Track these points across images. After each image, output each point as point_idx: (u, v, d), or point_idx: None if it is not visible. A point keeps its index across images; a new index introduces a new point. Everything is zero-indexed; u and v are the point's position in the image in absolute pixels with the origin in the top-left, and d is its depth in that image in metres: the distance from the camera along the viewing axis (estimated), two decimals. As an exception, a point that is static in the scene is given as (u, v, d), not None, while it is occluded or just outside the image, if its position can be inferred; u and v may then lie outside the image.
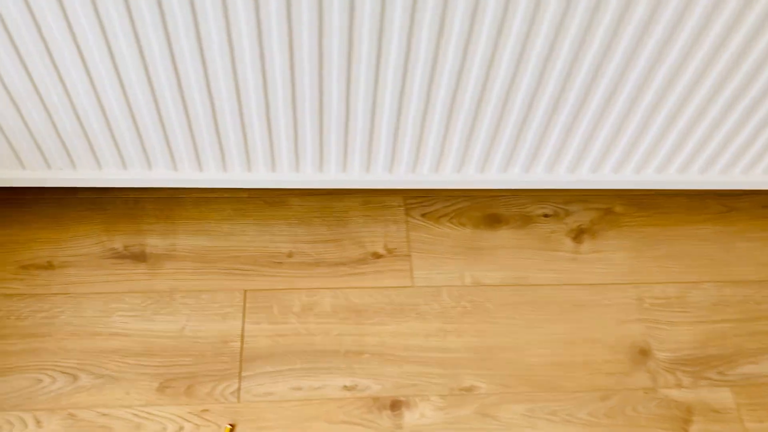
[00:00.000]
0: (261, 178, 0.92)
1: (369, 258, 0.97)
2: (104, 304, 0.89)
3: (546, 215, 1.03)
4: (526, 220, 1.02)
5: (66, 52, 0.72)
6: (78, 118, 0.81)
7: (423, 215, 1.01)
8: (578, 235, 1.02)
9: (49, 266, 0.92)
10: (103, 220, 0.97)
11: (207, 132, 0.84)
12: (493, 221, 1.02)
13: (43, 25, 0.70)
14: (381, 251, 0.98)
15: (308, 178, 0.93)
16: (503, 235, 1.01)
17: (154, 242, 0.96)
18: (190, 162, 0.89)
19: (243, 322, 0.90)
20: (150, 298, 0.91)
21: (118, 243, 0.95)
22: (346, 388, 0.86)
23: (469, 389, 0.87)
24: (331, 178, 0.93)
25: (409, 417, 0.85)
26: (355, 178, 0.93)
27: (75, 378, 0.83)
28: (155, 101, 0.79)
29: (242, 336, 0.89)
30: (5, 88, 0.77)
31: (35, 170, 0.89)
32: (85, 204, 0.98)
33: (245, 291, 0.92)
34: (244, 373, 0.86)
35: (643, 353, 0.92)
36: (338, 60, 0.75)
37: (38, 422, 0.80)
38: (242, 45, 0.73)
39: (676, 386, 0.89)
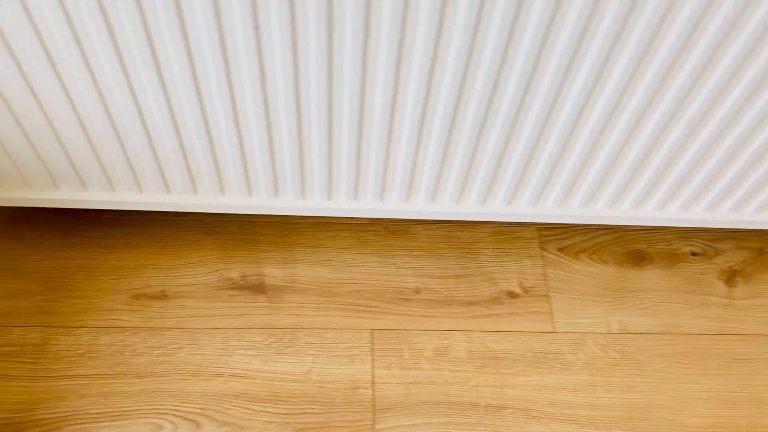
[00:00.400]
0: (393, 208, 0.84)
1: (504, 297, 0.89)
2: (224, 341, 0.83)
3: (694, 253, 0.94)
4: (673, 259, 0.93)
5: (212, 86, 0.65)
6: (211, 143, 0.74)
7: (560, 249, 0.93)
8: (731, 277, 0.92)
9: (163, 296, 0.86)
10: (217, 246, 0.90)
11: (347, 159, 0.76)
12: (638, 259, 0.93)
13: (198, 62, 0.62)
14: (516, 290, 0.89)
15: (443, 209, 0.84)
16: (649, 276, 0.91)
17: (272, 272, 0.89)
18: (321, 190, 0.81)
19: (372, 366, 0.82)
20: (272, 335, 0.84)
21: (234, 272, 0.88)
22: (487, 445, 0.78)
23: (625, 454, 0.79)
24: (469, 210, 0.84)
25: (556, 481, 0.77)
26: (495, 210, 0.85)
27: (198, 425, 0.77)
28: (297, 128, 0.72)
29: (373, 382, 0.81)
30: (138, 111, 0.70)
31: (152, 193, 0.83)
32: (198, 227, 0.92)
33: (372, 330, 0.85)
34: (377, 426, 0.79)
35: (815, 418, 0.82)
36: (482, 91, 0.66)
37: (158, 471, 0.75)
38: (376, 82, 0.64)
39: None
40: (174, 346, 0.82)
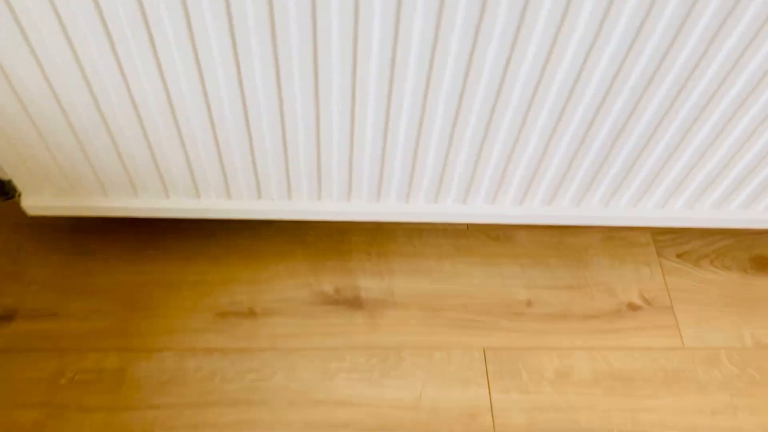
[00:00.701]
0: (481, 211, 0.76)
1: (624, 310, 0.80)
2: (323, 363, 0.75)
3: (824, 258, 0.86)
4: (801, 264, 0.85)
5: (334, 94, 0.57)
6: (318, 146, 0.66)
7: (678, 256, 0.85)
8: None
9: (251, 314, 0.78)
10: (305, 256, 0.82)
11: (466, 159, 0.68)
12: (763, 264, 0.85)
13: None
14: (637, 301, 0.81)
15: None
16: (779, 283, 0.83)
17: (368, 284, 0.80)
18: (428, 192, 0.73)
19: (489, 390, 0.74)
20: (375, 355, 0.76)
21: (327, 285, 0.80)
22: (621, 476, 0.70)
23: (780, 486, 0.71)
24: (564, 213, 0.76)
25: None
26: (593, 213, 0.77)
27: (304, 460, 0.69)
28: (418, 130, 0.64)
29: (491, 408, 0.73)
30: (244, 109, 0.62)
31: (242, 200, 0.74)
32: (282, 235, 0.83)
33: (484, 349, 0.77)
34: (502, 458, 0.71)
35: None
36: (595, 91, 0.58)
37: None
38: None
39: None
40: (268, 370, 0.74)
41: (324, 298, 0.79)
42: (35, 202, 0.74)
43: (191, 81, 0.59)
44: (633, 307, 0.80)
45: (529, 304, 0.80)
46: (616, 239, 0.85)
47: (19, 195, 0.74)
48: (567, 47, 0.57)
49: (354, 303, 0.79)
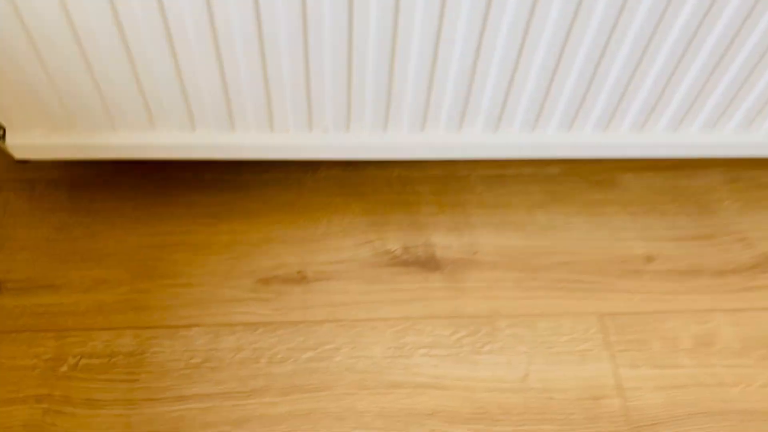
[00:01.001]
0: (590, 140, 0.60)
1: (767, 263, 0.64)
2: (396, 338, 0.58)
3: None
4: None
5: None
6: (391, 64, 0.50)
7: (823, 198, 0.69)
8: None
9: (302, 279, 0.61)
10: (362, 209, 0.66)
11: (537, 78, 0.53)
12: None
13: None
14: (782, 252, 0.65)
15: (656, 139, 0.60)
16: None
17: (444, 241, 0.64)
18: (488, 119, 0.57)
19: (614, 365, 0.58)
20: (462, 326, 0.59)
21: (392, 242, 0.64)
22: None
23: None
24: (692, 140, 0.60)
25: None
26: (730, 140, 0.61)
27: (384, 461, 0.52)
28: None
29: (620, 388, 0.57)
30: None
31: (286, 132, 0.58)
32: (332, 187, 0.68)
33: (601, 315, 0.61)
34: (642, 451, 0.54)
35: None
36: None
37: None
38: None
39: None
40: (329, 347, 0.58)
41: (390, 258, 0.63)
42: (24, 139, 0.58)
43: None
44: (778, 260, 0.64)
45: (648, 259, 0.64)
46: (743, 180, 0.69)
47: (3, 134, 0.58)
48: None
49: (428, 263, 0.63)
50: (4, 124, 0.57)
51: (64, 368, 0.55)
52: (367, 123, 0.58)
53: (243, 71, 0.53)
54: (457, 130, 0.59)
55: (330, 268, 0.62)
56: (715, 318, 0.60)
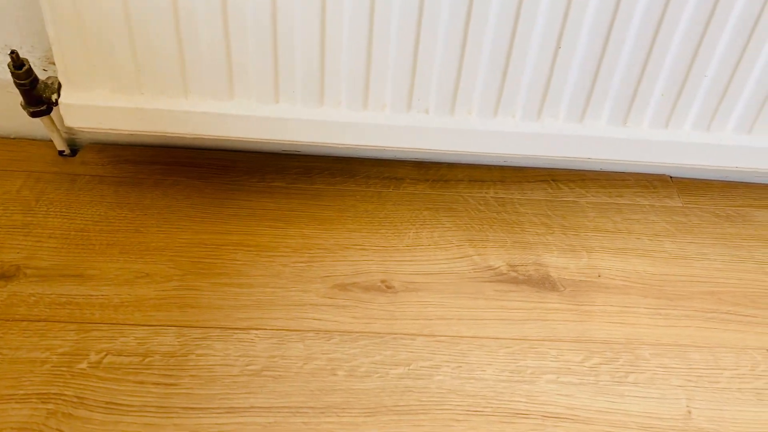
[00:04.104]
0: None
1: None
2: (513, 359, 0.45)
3: None
4: None
5: None
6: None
7: None
8: None
9: (388, 288, 0.50)
10: (456, 225, 0.56)
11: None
12: None
13: None
14: None
15: None
16: None
17: (558, 262, 0.53)
18: (615, 109, 0.49)
19: (801, 410, 0.44)
20: (595, 352, 0.46)
21: (495, 259, 0.53)
22: None
23: None
24: None
25: None
26: None
27: (514, 506, 0.37)
28: None
29: (818, 437, 0.43)
30: None
31: (378, 110, 0.50)
32: (417, 200, 0.58)
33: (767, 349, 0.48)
34: None
35: None
36: None
37: None
38: None
39: None
40: (425, 364, 0.44)
41: (495, 274, 0.51)
42: (82, 99, 0.50)
43: None
44: None
45: (812, 295, 0.52)
46: None
47: (58, 91, 0.50)
48: None
49: (542, 283, 0.51)
50: (62, 79, 0.50)
51: (83, 365, 0.42)
52: (474, 105, 0.50)
53: (346, 41, 0.47)
54: (580, 120, 0.51)
55: (421, 279, 0.50)
56: None
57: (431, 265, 0.52)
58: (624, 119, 0.51)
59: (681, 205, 0.60)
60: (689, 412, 0.43)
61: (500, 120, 0.51)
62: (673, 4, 0.45)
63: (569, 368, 0.45)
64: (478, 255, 0.53)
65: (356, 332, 0.46)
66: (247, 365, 0.43)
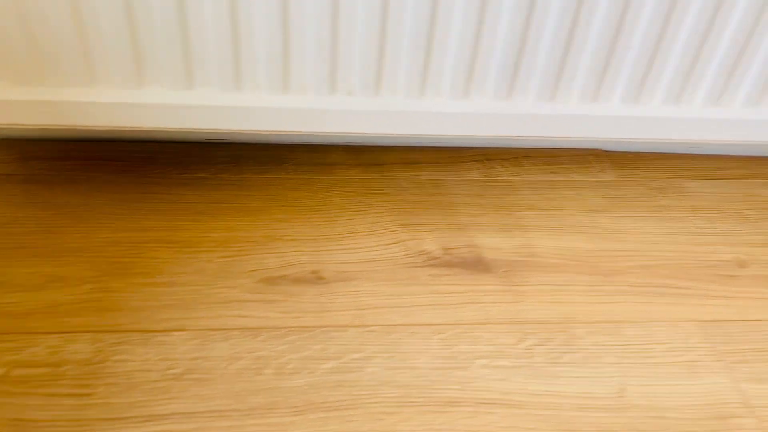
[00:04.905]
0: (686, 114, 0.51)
1: None
2: (447, 345, 0.44)
3: None
4: None
5: None
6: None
7: None
8: None
9: (318, 279, 0.48)
10: (389, 209, 0.54)
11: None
12: None
13: None
14: None
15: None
16: None
17: (492, 242, 0.52)
18: (542, 85, 0.49)
19: (733, 379, 0.44)
20: (529, 333, 0.46)
21: (429, 243, 0.52)
22: None
23: None
24: None
25: None
26: None
27: (446, 499, 0.36)
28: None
29: (748, 405, 0.43)
30: None
31: (301, 94, 0.48)
32: (350, 186, 0.56)
33: (702, 322, 0.48)
34: (803, 486, 0.39)
35: None
36: None
37: None
38: None
39: None
40: (356, 356, 0.43)
41: (428, 259, 0.50)
42: (-22, 93, 0.47)
43: None
44: None
45: (741, 264, 0.52)
46: (825, 190, 0.60)
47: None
48: None
49: (477, 265, 0.50)
50: (-45, 73, 0.46)
51: (-12, 379, 0.39)
52: (400, 85, 0.49)
53: (262, 20, 0.44)
54: (507, 97, 0.50)
55: (353, 267, 0.49)
56: (842, 326, 0.48)
57: (364, 253, 0.50)
58: (552, 95, 0.50)
59: (614, 178, 0.59)
60: (623, 389, 0.42)
61: (427, 100, 0.50)
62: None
63: (503, 351, 0.44)
64: (412, 240, 0.51)
65: (285, 327, 0.44)
66: (167, 369, 0.41)
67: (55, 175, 0.53)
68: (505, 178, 0.58)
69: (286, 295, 0.46)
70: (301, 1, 0.44)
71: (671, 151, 0.63)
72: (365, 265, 0.49)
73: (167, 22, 0.44)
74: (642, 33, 0.48)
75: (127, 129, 0.50)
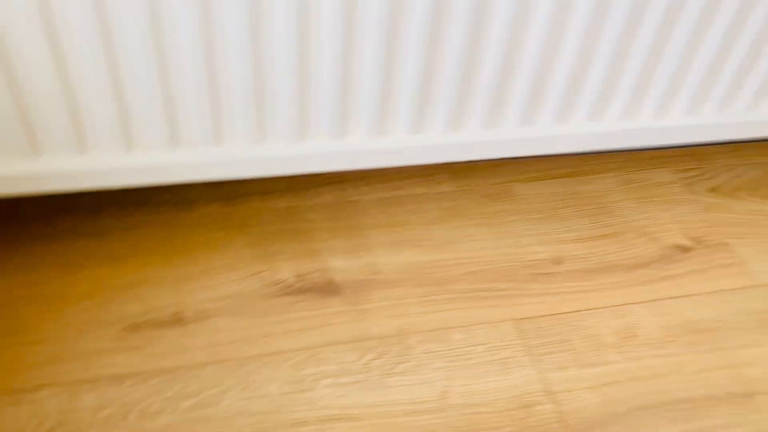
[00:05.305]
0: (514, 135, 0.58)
1: (673, 253, 0.62)
2: (295, 370, 0.50)
3: None
4: None
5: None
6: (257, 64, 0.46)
7: (711, 190, 0.69)
8: None
9: (179, 321, 0.53)
10: (248, 243, 0.59)
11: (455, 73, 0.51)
12: (805, 189, 0.71)
13: None
14: (684, 242, 0.63)
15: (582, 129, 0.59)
16: (831, 205, 0.69)
17: (341, 264, 0.58)
18: (408, 122, 0.54)
19: (539, 370, 0.52)
20: (369, 349, 0.52)
21: (285, 272, 0.57)
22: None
23: None
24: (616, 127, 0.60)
25: None
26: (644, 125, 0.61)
27: None
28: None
29: (550, 392, 0.51)
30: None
31: (148, 151, 0.52)
32: (210, 222, 0.60)
33: (517, 320, 0.56)
34: (585, 457, 0.47)
35: None
36: None
37: None
38: None
39: None
40: (213, 391, 0.48)
41: (283, 288, 0.56)
42: None
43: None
44: (682, 249, 0.63)
45: (557, 261, 0.60)
46: (636, 182, 0.69)
47: None
48: None
49: (327, 289, 0.56)
50: None
51: None
52: (238, 134, 0.53)
53: (89, 83, 0.47)
54: (339, 137, 0.56)
55: (212, 305, 0.54)
56: (633, 311, 0.57)
57: (223, 289, 0.55)
58: (380, 130, 0.56)
59: (452, 189, 0.66)
60: (445, 391, 0.50)
61: (266, 145, 0.54)
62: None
63: (345, 369, 0.50)
64: (268, 270, 0.57)
65: (147, 372, 0.49)
66: (37, 425, 0.45)
67: None
68: (356, 198, 0.64)
69: (149, 340, 0.51)
70: (130, 66, 0.47)
71: (506, 156, 0.70)
72: (224, 302, 0.54)
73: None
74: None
75: (-18, 194, 0.52)
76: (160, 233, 0.59)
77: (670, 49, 0.56)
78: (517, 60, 0.54)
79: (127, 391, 0.48)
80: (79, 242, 0.57)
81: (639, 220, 0.65)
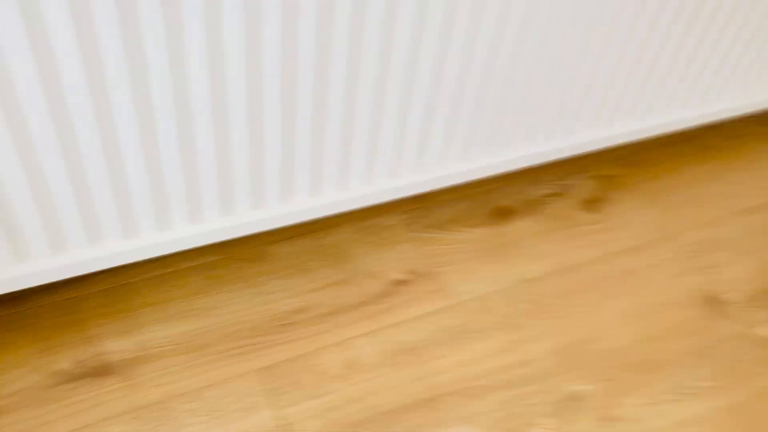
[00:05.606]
0: (237, 222, 0.72)
1: (392, 287, 0.79)
2: (74, 448, 0.62)
3: (550, 195, 0.93)
4: (532, 204, 0.91)
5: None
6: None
7: (428, 226, 0.86)
8: (589, 204, 0.93)
9: (-30, 423, 0.63)
10: (33, 339, 0.69)
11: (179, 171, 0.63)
12: (502, 213, 0.90)
13: None
14: (402, 276, 0.80)
15: (299, 207, 0.74)
16: (520, 225, 0.88)
17: (115, 346, 0.69)
18: (152, 220, 0.66)
19: (276, 408, 0.66)
20: (137, 417, 0.64)
21: (64, 362, 0.68)
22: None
23: (576, 397, 0.72)
24: (328, 200, 0.75)
25: (525, 454, 0.67)
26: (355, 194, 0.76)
27: None
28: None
29: (286, 425, 0.65)
30: None
31: None
32: (-3, 326, 0.70)
33: (258, 371, 0.70)
34: (307, 472, 0.63)
35: (714, 301, 0.83)
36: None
37: None
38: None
39: (763, 323, 0.81)
40: (3, 480, 0.59)
41: (63, 376, 0.67)
42: None
43: None
44: (400, 283, 0.79)
45: (299, 311, 0.75)
46: (369, 228, 0.85)
47: None
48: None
49: (102, 371, 0.68)
50: None
51: None
52: (32, 249, 0.63)
53: None
54: (91, 245, 0.67)
55: (1, 403, 0.64)
56: (357, 343, 0.73)
57: (10, 387, 0.65)
58: (127, 234, 0.68)
59: (217, 259, 0.79)
60: (201, 441, 0.63)
61: (66, 253, 0.65)
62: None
63: (118, 439, 0.63)
64: (50, 362, 0.68)
65: (-56, 474, 0.59)
66: None
67: None
68: (129, 281, 0.76)
69: (-56, 445, 0.61)
70: None
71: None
72: (11, 398, 0.64)
73: None
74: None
75: None
76: (-51, 345, 0.68)
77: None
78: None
79: (-74, 494, 0.57)
80: None
81: (367, 263, 0.81)
